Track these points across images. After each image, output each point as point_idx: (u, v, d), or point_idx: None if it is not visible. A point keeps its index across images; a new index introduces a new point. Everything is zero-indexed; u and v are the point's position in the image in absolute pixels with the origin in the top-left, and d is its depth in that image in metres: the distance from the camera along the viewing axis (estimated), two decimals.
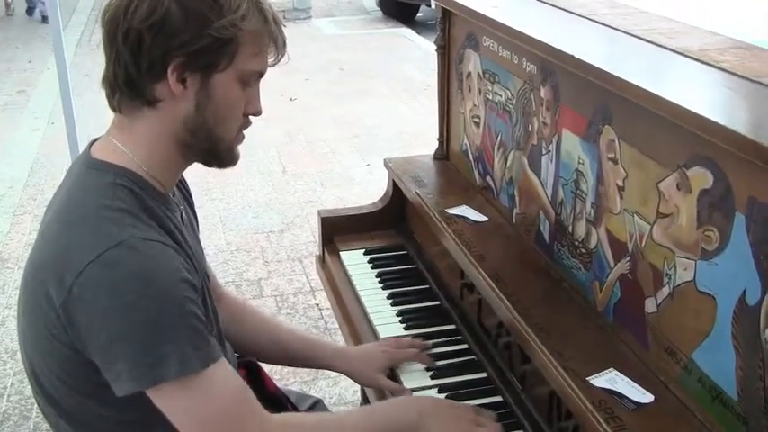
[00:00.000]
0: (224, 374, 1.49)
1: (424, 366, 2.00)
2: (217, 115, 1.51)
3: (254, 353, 2.00)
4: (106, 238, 1.39)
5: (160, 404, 1.44)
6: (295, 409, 1.98)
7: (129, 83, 1.47)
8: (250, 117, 1.59)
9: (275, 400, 1.95)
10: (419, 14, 11.32)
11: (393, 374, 1.98)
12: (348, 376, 2.02)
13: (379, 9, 11.68)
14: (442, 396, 1.89)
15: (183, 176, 1.78)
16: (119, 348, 1.38)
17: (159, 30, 1.42)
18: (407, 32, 10.41)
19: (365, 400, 2.61)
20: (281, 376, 3.42)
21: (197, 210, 1.85)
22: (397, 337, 2.13)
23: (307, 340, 2.06)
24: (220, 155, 1.58)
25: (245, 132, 1.62)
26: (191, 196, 1.83)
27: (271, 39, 1.53)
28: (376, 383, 1.96)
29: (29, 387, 1.60)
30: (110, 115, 1.57)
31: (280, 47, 1.56)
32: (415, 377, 1.97)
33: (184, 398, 1.43)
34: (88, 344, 1.40)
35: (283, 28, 1.57)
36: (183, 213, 1.67)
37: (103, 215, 1.43)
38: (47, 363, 1.51)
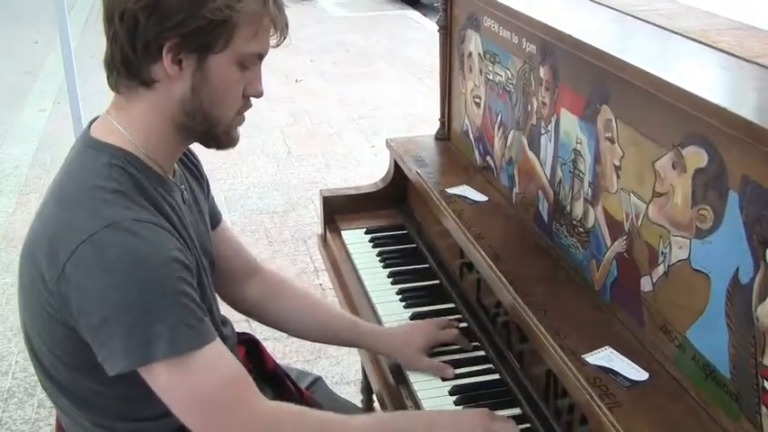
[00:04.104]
0: (218, 355, 1.47)
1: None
2: (213, 97, 1.50)
3: (292, 329, 2.00)
4: (99, 219, 1.39)
5: (152, 383, 1.43)
6: (295, 386, 1.99)
7: (126, 63, 1.47)
8: (251, 99, 1.57)
9: (275, 378, 1.97)
10: None
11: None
12: (389, 357, 1.98)
13: None
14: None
15: (189, 150, 1.76)
16: (110, 328, 1.38)
17: (153, 10, 1.41)
18: (414, 14, 10.39)
19: (366, 379, 2.64)
20: (283, 355, 3.45)
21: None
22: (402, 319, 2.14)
23: (347, 320, 2.01)
24: (218, 136, 1.57)
25: (249, 113, 1.60)
26: (197, 168, 1.81)
27: (270, 21, 1.51)
28: (419, 364, 1.93)
29: None
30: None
31: (281, 29, 1.53)
32: None
33: (176, 378, 1.42)
34: (80, 323, 1.41)
35: (285, 9, 1.54)
36: (185, 193, 1.66)
37: (97, 196, 1.43)
38: (43, 339, 1.52)
